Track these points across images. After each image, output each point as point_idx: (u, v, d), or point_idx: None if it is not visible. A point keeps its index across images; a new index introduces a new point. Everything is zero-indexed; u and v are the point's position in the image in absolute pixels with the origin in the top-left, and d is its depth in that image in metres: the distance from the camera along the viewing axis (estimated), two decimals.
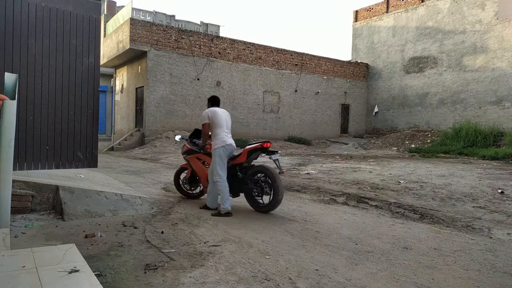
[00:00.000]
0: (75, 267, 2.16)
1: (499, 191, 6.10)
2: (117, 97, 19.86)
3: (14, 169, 4.06)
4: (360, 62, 23.18)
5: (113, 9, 21.54)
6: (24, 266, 2.16)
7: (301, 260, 3.03)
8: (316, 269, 2.84)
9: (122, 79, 19.06)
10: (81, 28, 4.94)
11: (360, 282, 2.63)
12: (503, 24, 16.75)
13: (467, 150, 13.91)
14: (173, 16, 34.58)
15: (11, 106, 2.99)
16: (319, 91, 21.10)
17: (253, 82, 18.76)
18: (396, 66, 21.50)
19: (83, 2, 5.00)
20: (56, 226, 3.80)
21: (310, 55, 20.77)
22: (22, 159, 4.55)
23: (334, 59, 21.90)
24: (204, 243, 3.41)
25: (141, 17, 30.34)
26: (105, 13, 19.91)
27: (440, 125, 18.97)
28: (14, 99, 3.13)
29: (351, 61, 23.48)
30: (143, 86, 16.35)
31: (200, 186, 5.52)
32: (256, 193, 4.75)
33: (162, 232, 3.69)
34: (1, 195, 2.97)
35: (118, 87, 19.72)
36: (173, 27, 17.87)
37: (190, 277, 2.61)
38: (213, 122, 4.72)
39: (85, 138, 5.02)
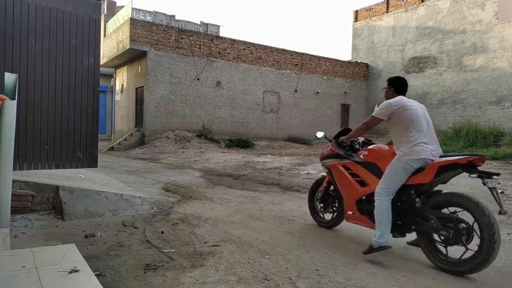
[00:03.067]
0: (75, 267, 2.16)
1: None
2: (117, 97, 19.86)
3: (14, 169, 4.06)
4: (360, 62, 23.18)
5: (113, 9, 21.54)
6: (24, 266, 2.16)
7: (301, 260, 3.03)
8: (316, 269, 2.84)
9: (122, 79, 19.06)
10: (81, 28, 4.94)
11: (360, 282, 2.63)
12: (503, 24, 16.75)
13: (467, 150, 13.90)
14: (173, 16, 34.60)
15: (11, 106, 2.99)
16: (319, 91, 21.10)
17: (253, 82, 18.76)
18: (396, 66, 21.49)
19: (83, 2, 5.00)
20: (56, 226, 3.80)
21: (310, 55, 20.77)
22: (22, 159, 4.55)
23: (334, 59, 21.90)
24: (204, 243, 3.41)
25: (141, 17, 30.34)
26: (105, 13, 19.90)
27: (440, 125, 18.96)
28: (14, 99, 3.14)
29: (351, 61, 23.48)
30: (143, 86, 16.35)
31: (335, 210, 3.94)
32: (443, 239, 2.92)
33: (162, 232, 3.69)
34: (1, 195, 2.97)
35: (118, 87, 19.72)
36: (173, 27, 17.87)
37: (190, 277, 2.61)
38: (403, 122, 3.12)
39: (85, 138, 5.02)
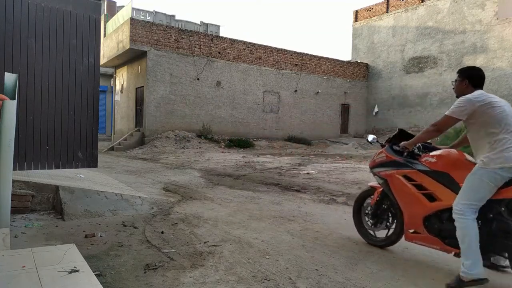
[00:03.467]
0: (75, 267, 2.16)
1: None
2: (117, 97, 19.86)
3: (14, 169, 4.06)
4: (360, 62, 23.18)
5: (113, 9, 21.54)
6: (24, 266, 2.16)
7: (301, 260, 3.03)
8: (316, 269, 2.84)
9: (122, 79, 19.06)
10: (81, 28, 4.94)
11: (360, 282, 2.63)
12: (503, 24, 16.76)
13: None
14: (173, 16, 34.60)
15: (11, 106, 2.99)
16: (319, 91, 21.10)
17: (253, 82, 18.76)
18: (396, 66, 21.50)
19: (83, 2, 5.00)
20: (56, 226, 3.81)
21: (310, 55, 20.77)
22: (22, 159, 4.55)
23: (334, 59, 21.91)
24: (204, 243, 3.41)
25: (141, 17, 30.34)
26: (105, 13, 19.90)
27: None
28: (14, 99, 3.14)
29: (351, 61, 23.48)
30: (143, 86, 16.35)
31: (393, 226, 3.34)
32: None
33: (162, 232, 3.69)
34: (1, 195, 2.97)
35: (118, 87, 19.72)
36: (173, 27, 17.88)
37: (190, 277, 2.61)
38: (487, 121, 2.59)
39: (85, 138, 5.01)
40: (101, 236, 3.51)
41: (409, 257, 3.23)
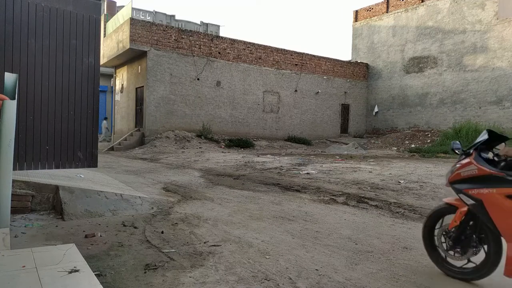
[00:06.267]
0: (75, 267, 2.16)
1: None
2: (117, 97, 19.87)
3: (14, 169, 4.06)
4: (360, 62, 23.18)
5: (113, 9, 21.54)
6: (24, 266, 2.16)
7: (301, 260, 3.03)
8: (316, 269, 2.84)
9: (122, 79, 19.06)
10: (81, 28, 4.94)
11: (360, 282, 2.63)
12: (503, 24, 16.76)
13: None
14: (173, 16, 34.59)
15: (11, 106, 2.99)
16: (319, 91, 21.10)
17: (253, 82, 18.77)
18: (396, 66, 21.50)
19: (83, 2, 5.00)
20: (56, 226, 3.81)
21: (310, 55, 20.78)
22: (22, 159, 4.55)
23: (334, 59, 21.91)
24: (204, 243, 3.41)
25: (141, 17, 30.35)
26: (105, 13, 19.91)
27: (440, 125, 18.97)
28: (14, 99, 3.14)
29: (351, 61, 23.48)
30: (143, 86, 16.35)
31: (477, 254, 2.71)
32: None
33: (162, 232, 3.69)
34: (1, 195, 2.97)
35: (118, 87, 19.72)
36: (173, 27, 17.88)
37: (190, 277, 2.61)
38: None
39: (85, 138, 5.02)
40: (101, 236, 3.51)
41: (409, 257, 3.23)
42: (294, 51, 20.16)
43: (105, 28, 18.72)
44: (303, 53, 20.48)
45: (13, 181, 3.57)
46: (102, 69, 16.41)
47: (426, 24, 19.89)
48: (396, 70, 21.49)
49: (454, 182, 2.73)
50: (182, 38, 16.61)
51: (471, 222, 2.69)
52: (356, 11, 24.17)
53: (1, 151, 2.96)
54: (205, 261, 2.94)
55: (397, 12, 21.43)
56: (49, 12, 4.69)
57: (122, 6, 19.19)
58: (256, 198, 5.76)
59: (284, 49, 19.80)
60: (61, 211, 4.18)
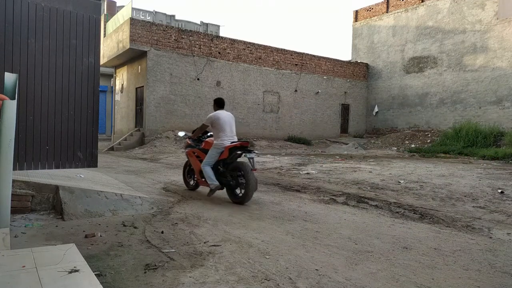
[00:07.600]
0: (75, 267, 2.16)
1: (499, 191, 6.10)
2: (117, 97, 19.87)
3: (14, 169, 4.06)
4: (360, 62, 23.19)
5: (113, 9, 21.55)
6: (24, 266, 2.16)
7: (301, 260, 3.03)
8: (316, 269, 2.84)
9: (122, 79, 19.06)
10: (81, 28, 4.94)
11: (360, 282, 2.63)
12: (503, 24, 16.76)
13: (467, 150, 13.91)
14: (173, 16, 34.59)
15: (11, 106, 2.99)
16: (319, 91, 21.11)
17: (253, 82, 18.77)
18: (396, 66, 21.51)
19: (83, 2, 5.00)
20: (56, 226, 3.81)
21: (310, 55, 20.78)
22: (22, 159, 4.55)
23: (334, 59, 21.91)
24: (204, 243, 3.41)
25: (141, 17, 30.36)
26: (105, 13, 19.91)
27: (440, 125, 18.97)
28: (14, 99, 3.14)
29: (351, 61, 23.49)
30: (143, 86, 16.36)
31: (195, 179, 6.03)
32: (233, 186, 5.30)
33: (162, 232, 3.69)
34: (1, 195, 2.97)
35: (118, 87, 19.72)
36: (173, 27, 17.88)
37: (190, 277, 2.61)
38: (216, 127, 5.42)
39: (85, 138, 5.02)
40: (101, 236, 3.51)
41: (409, 257, 3.23)
42: (294, 51, 20.17)
43: (105, 28, 18.72)
44: (303, 53, 20.49)
45: (13, 181, 3.57)
46: (102, 69, 16.43)
47: (426, 24, 19.90)
48: (396, 70, 21.50)
49: (183, 148, 6.54)
50: (182, 38, 16.61)
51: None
52: (356, 11, 24.18)
53: (1, 151, 2.96)
54: (205, 261, 2.94)
55: (397, 12, 21.43)
56: (49, 12, 4.69)
57: (122, 6, 19.19)
58: (256, 198, 5.76)
59: (284, 49, 19.80)
60: (61, 211, 4.18)
